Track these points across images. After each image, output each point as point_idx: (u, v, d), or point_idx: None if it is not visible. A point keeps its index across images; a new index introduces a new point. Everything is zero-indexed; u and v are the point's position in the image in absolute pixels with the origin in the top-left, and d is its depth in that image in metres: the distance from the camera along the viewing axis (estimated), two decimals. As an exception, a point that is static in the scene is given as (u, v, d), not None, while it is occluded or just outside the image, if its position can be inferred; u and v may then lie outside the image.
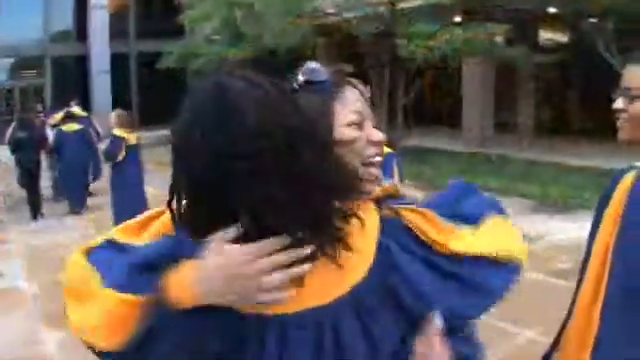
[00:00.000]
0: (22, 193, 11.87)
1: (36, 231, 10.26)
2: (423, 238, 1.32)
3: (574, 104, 17.51)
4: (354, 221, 1.24)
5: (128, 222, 1.42)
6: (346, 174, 1.25)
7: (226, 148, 1.11)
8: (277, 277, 1.15)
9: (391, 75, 15.51)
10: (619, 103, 1.93)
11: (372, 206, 1.36)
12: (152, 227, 1.37)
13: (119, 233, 1.40)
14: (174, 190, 1.22)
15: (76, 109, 12.49)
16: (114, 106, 23.92)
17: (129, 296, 1.20)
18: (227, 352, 1.20)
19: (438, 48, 12.96)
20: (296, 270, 1.16)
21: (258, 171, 1.11)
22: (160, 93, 24.03)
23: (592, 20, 13.18)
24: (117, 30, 25.46)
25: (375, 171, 1.40)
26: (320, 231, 1.18)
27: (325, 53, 19.49)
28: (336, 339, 1.23)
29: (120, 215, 9.36)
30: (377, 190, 1.40)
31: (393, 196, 1.42)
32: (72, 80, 24.94)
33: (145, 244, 1.32)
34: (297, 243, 1.15)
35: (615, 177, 1.94)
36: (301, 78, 1.38)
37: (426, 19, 13.46)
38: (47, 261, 8.29)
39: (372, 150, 1.40)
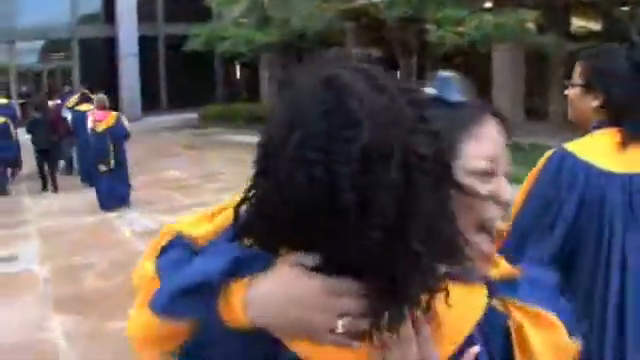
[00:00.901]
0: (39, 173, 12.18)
1: (54, 213, 10.25)
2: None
3: (607, 92, 17.15)
4: (454, 302, 0.96)
5: (200, 212, 1.18)
6: (457, 235, 0.95)
7: (326, 164, 0.84)
8: (353, 322, 0.92)
9: (419, 61, 15.30)
10: (567, 90, 2.31)
11: (483, 290, 1.05)
12: (219, 218, 1.12)
13: (193, 223, 1.14)
14: (249, 195, 0.97)
15: (87, 92, 13.38)
16: (142, 89, 24.14)
17: (167, 321, 1.00)
18: None
19: (468, 34, 12.73)
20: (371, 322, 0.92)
21: (359, 199, 0.84)
22: (188, 76, 24.01)
23: (625, 8, 12.88)
24: (145, 12, 25.34)
25: (491, 244, 1.08)
26: (404, 293, 0.91)
27: (354, 38, 19.31)
28: None
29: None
30: (494, 271, 1.10)
31: (510, 282, 1.12)
32: (100, 63, 25.03)
33: (204, 256, 1.05)
34: (375, 296, 0.91)
35: None
36: (431, 91, 1.05)
37: (455, 4, 13.20)
38: (63, 244, 8.28)
39: (495, 212, 1.08)
